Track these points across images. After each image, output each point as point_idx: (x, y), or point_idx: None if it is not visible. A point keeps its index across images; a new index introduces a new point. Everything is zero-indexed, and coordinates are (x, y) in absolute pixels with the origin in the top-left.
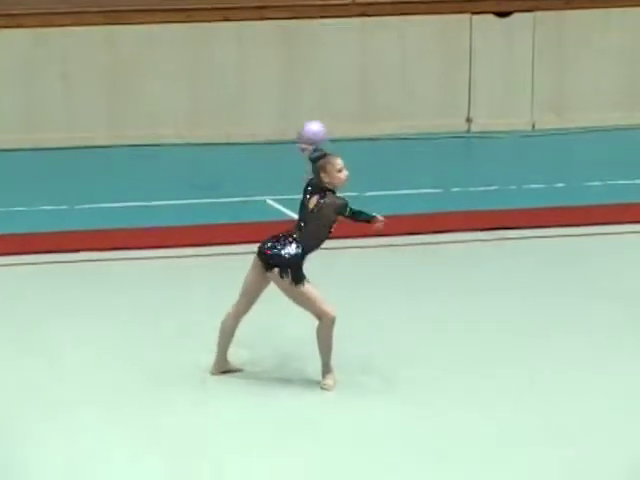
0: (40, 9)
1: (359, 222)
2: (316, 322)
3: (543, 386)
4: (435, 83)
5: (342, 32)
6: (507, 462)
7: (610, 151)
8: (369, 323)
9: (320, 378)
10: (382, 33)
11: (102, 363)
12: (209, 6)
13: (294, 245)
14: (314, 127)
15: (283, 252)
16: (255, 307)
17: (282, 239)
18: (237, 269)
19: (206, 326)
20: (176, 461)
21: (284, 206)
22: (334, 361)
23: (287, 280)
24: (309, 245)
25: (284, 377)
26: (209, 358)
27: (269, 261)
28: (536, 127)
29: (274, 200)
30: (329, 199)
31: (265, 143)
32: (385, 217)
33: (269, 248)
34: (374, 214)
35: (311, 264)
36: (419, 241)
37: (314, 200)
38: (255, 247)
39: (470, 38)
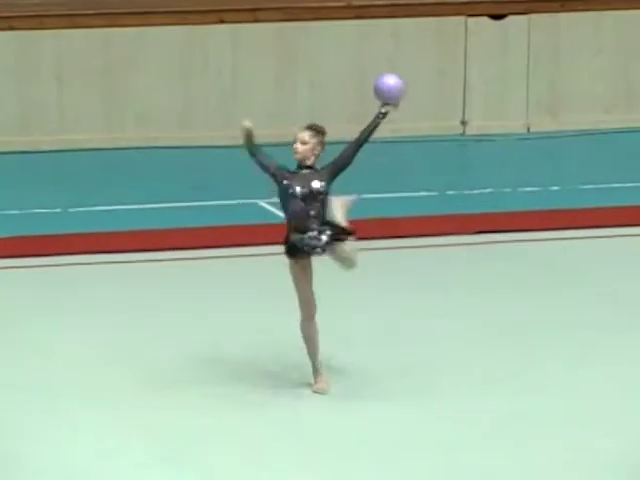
0: (34, 11)
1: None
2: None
3: (541, 387)
4: (430, 85)
5: (337, 34)
6: (506, 460)
7: (605, 154)
8: (360, 326)
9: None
10: (377, 35)
11: (95, 364)
12: (204, 8)
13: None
14: (391, 81)
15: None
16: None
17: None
18: (228, 271)
19: (194, 329)
20: (170, 464)
21: (277, 209)
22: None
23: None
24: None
25: (279, 380)
26: (200, 361)
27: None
28: (531, 130)
29: (267, 203)
30: None
31: (259, 145)
32: (380, 220)
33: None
34: None
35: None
36: (414, 244)
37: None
38: (246, 250)
39: (465, 40)
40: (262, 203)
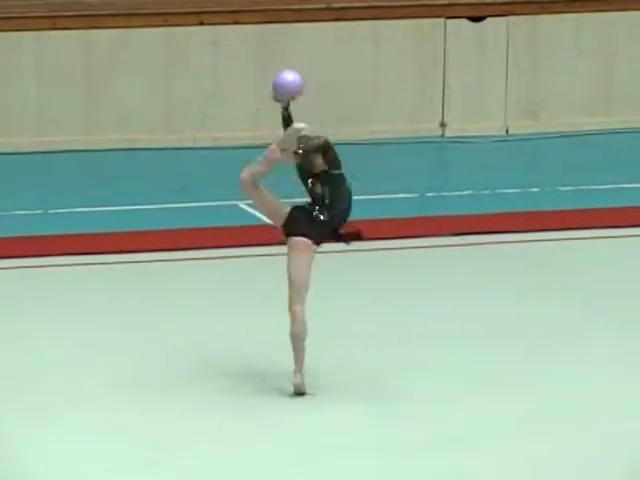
0: (14, 13)
1: None
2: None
3: (533, 388)
4: (409, 87)
5: (316, 37)
6: (498, 460)
7: (584, 156)
8: (343, 327)
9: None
10: (356, 37)
11: (77, 365)
12: (184, 10)
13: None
14: (290, 76)
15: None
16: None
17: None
18: (210, 273)
19: (177, 330)
20: (152, 467)
21: (257, 211)
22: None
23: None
24: None
25: (263, 383)
26: (183, 363)
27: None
28: (510, 131)
29: (247, 205)
30: None
31: (240, 147)
32: (359, 222)
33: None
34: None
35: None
36: (392, 246)
37: None
38: (228, 251)
39: (444, 43)
40: (242, 205)
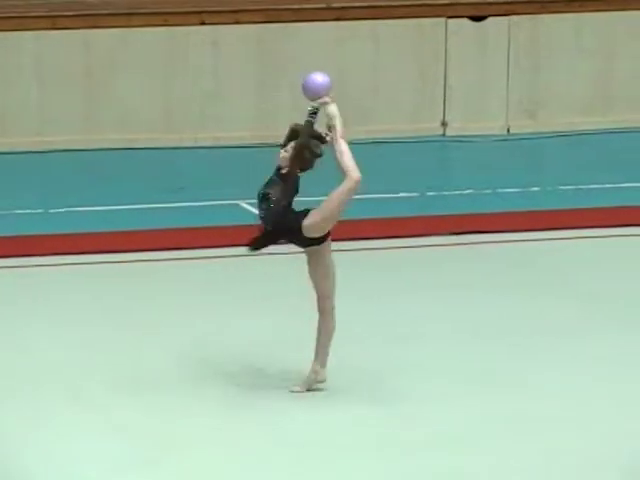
0: (14, 12)
1: None
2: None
3: (528, 388)
4: (410, 87)
5: (317, 36)
6: (492, 461)
7: (584, 155)
8: (344, 328)
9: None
10: (357, 37)
11: (75, 365)
12: (185, 10)
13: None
14: (320, 78)
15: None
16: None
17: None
18: (211, 272)
19: (176, 330)
20: (152, 466)
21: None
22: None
23: None
24: None
25: (262, 381)
26: (181, 362)
27: None
28: (511, 131)
29: (248, 204)
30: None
31: (240, 146)
32: (361, 221)
33: None
34: None
35: (290, 268)
36: (393, 245)
37: None
38: (226, 251)
39: (445, 42)
40: (243, 204)
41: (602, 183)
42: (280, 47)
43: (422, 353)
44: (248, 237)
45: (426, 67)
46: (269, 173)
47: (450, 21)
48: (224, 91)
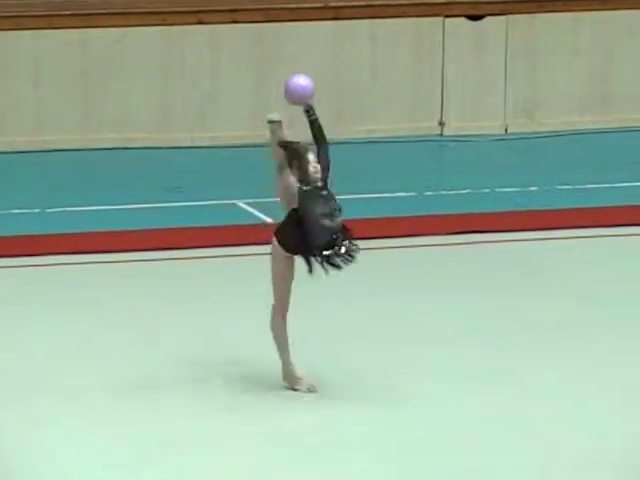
0: (11, 12)
1: None
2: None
3: (524, 388)
4: (408, 86)
5: (315, 35)
6: (489, 460)
7: (582, 154)
8: (342, 328)
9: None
10: (355, 36)
11: (72, 364)
12: (182, 9)
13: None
14: (302, 81)
15: None
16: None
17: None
18: (208, 272)
19: (173, 330)
20: (146, 466)
21: (256, 209)
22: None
23: None
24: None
25: (257, 383)
26: (178, 362)
27: None
28: (509, 130)
29: (246, 204)
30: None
31: (238, 146)
32: (358, 221)
33: None
34: None
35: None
36: (391, 245)
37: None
38: (223, 250)
39: (443, 41)
40: (241, 204)
41: (600, 182)
42: (277, 46)
43: (421, 353)
44: (247, 237)
45: (423, 66)
46: (267, 173)
47: (447, 20)
48: (221, 91)
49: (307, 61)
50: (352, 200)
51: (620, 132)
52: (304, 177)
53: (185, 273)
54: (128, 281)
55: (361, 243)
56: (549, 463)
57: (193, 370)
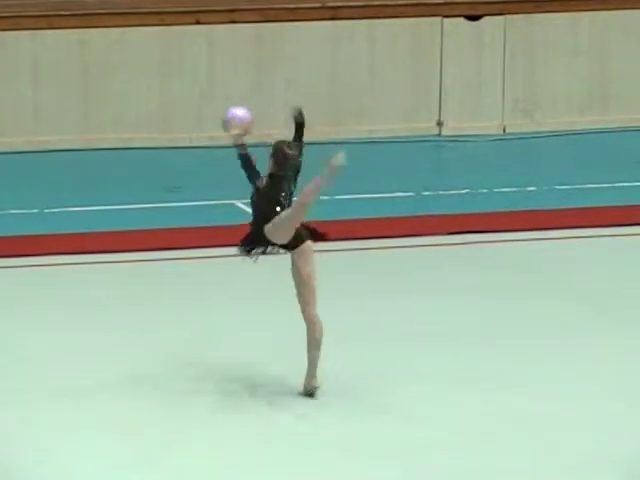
0: (10, 12)
1: None
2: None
3: (523, 387)
4: (406, 86)
5: (313, 35)
6: (488, 460)
7: (580, 154)
8: (338, 327)
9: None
10: (353, 36)
11: (71, 364)
12: (180, 9)
13: None
14: (240, 112)
15: None
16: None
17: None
18: (206, 272)
19: (171, 329)
20: (145, 465)
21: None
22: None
23: None
24: None
25: (257, 382)
26: (177, 362)
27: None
28: (507, 130)
29: (244, 204)
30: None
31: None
32: (357, 221)
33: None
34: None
35: (286, 268)
36: (389, 245)
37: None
38: (222, 250)
39: (441, 41)
40: (239, 204)
41: (598, 182)
42: (276, 46)
43: (420, 353)
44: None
45: (422, 66)
46: (265, 172)
47: (446, 20)
48: (219, 90)
49: (305, 61)
50: (351, 200)
51: (619, 132)
52: (282, 161)
53: (185, 273)
54: (128, 281)
55: (360, 243)
56: (550, 463)
57: (193, 370)
